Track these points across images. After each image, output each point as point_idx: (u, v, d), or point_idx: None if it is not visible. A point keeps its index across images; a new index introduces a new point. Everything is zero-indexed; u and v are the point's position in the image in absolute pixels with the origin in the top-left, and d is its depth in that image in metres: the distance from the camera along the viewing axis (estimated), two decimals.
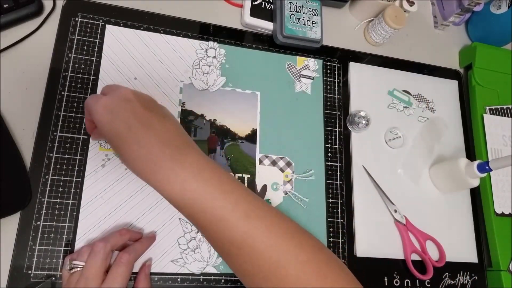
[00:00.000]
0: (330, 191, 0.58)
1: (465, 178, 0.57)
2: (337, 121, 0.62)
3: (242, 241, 0.35)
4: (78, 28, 0.54)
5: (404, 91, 0.67)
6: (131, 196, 0.50)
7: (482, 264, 0.61)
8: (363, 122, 0.60)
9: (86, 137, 0.50)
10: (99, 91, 0.52)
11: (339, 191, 0.58)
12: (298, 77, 0.62)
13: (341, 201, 0.58)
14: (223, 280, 0.50)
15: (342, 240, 0.56)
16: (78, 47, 0.53)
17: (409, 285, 0.57)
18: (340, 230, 0.56)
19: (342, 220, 0.57)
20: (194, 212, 0.36)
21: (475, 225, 0.63)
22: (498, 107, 0.69)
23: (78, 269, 0.41)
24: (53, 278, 0.45)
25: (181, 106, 0.55)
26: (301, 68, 0.62)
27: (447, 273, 0.58)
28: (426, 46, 0.73)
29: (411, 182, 0.62)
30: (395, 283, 0.56)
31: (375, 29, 0.67)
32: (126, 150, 0.36)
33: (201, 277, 0.49)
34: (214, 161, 0.39)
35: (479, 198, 0.64)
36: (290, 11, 0.61)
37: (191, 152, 0.37)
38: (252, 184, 0.55)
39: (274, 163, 0.57)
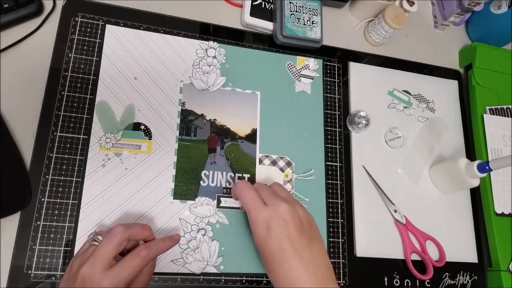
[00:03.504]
0: (330, 191, 0.58)
1: (465, 178, 0.57)
2: (337, 121, 0.62)
3: None
4: (78, 28, 0.54)
5: (404, 91, 0.67)
6: (131, 196, 0.50)
7: (482, 264, 0.61)
8: (363, 122, 0.60)
9: (86, 137, 0.50)
10: (99, 91, 0.52)
11: (339, 191, 0.58)
12: (298, 77, 0.62)
13: (341, 201, 0.58)
14: (223, 280, 0.50)
15: (342, 240, 0.56)
16: (78, 47, 0.53)
17: (409, 285, 0.57)
18: (340, 230, 0.56)
19: (342, 220, 0.57)
20: None
21: (475, 225, 0.63)
22: (498, 107, 0.69)
23: (97, 244, 0.41)
24: (53, 278, 0.45)
25: (181, 106, 0.55)
26: (301, 68, 0.62)
27: (447, 273, 0.58)
28: (426, 46, 0.73)
29: (411, 182, 0.62)
30: (395, 283, 0.56)
31: (375, 29, 0.67)
32: (274, 268, 0.42)
33: (201, 277, 0.49)
34: None
35: (479, 198, 0.64)
36: (290, 11, 0.61)
37: (331, 284, 0.42)
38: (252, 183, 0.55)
39: (274, 162, 0.57)
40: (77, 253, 0.43)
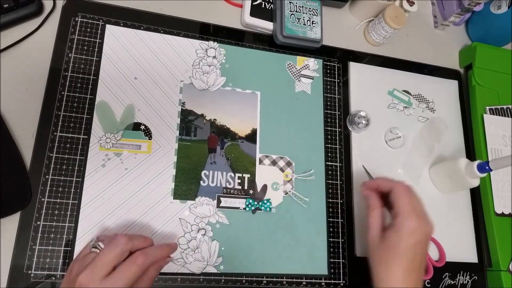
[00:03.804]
0: (330, 191, 0.58)
1: (465, 178, 0.57)
2: (337, 121, 0.62)
3: None
4: (78, 28, 0.54)
5: (404, 91, 0.67)
6: (131, 196, 0.50)
7: (482, 264, 0.61)
8: (363, 122, 0.60)
9: (86, 137, 0.50)
10: (99, 91, 0.52)
11: (339, 191, 0.58)
12: (298, 77, 0.62)
13: (341, 201, 0.58)
14: (223, 280, 0.50)
15: (342, 240, 0.56)
16: (78, 47, 0.53)
17: None
18: (340, 230, 0.56)
19: (342, 220, 0.57)
20: None
21: (475, 225, 0.63)
22: (498, 107, 0.69)
23: (98, 251, 0.40)
24: (53, 278, 0.45)
25: (181, 106, 0.55)
26: (301, 68, 0.62)
27: (447, 273, 0.58)
28: (426, 46, 0.73)
29: (411, 182, 0.62)
30: None
31: (375, 29, 0.67)
32: (389, 269, 0.45)
33: (201, 277, 0.49)
34: None
35: (479, 198, 0.64)
36: (290, 11, 0.61)
37: None
38: (252, 183, 0.55)
39: (274, 162, 0.57)
40: (77, 257, 0.42)
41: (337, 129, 0.61)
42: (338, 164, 0.60)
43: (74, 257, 0.46)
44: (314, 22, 0.62)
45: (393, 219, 0.47)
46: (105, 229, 0.47)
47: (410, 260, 0.45)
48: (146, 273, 0.41)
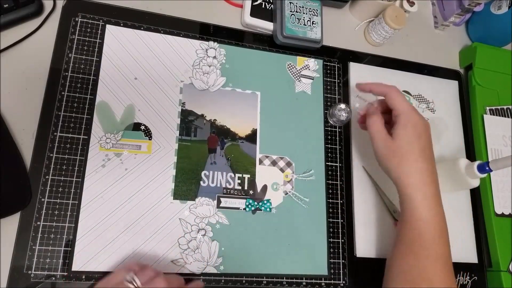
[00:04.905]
0: (330, 191, 0.58)
1: (465, 178, 0.57)
2: None
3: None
4: (78, 28, 0.54)
5: (404, 91, 0.67)
6: (131, 196, 0.50)
7: (482, 264, 0.61)
8: (344, 114, 0.59)
9: (86, 137, 0.50)
10: (99, 91, 0.52)
11: (339, 191, 0.58)
12: (298, 77, 0.62)
13: (341, 201, 0.58)
14: (223, 281, 0.50)
15: (342, 240, 0.56)
16: (78, 47, 0.53)
17: None
18: (340, 230, 0.56)
19: (342, 220, 0.57)
20: (406, 200, 0.49)
21: (475, 225, 0.63)
22: (498, 107, 0.69)
23: (132, 287, 0.40)
24: (53, 278, 0.45)
25: (181, 106, 0.55)
26: (301, 68, 0.62)
27: None
28: (426, 46, 0.73)
29: None
30: None
31: (375, 29, 0.66)
32: (407, 162, 0.48)
33: (201, 277, 0.49)
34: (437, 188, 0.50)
35: (479, 198, 0.64)
36: (290, 11, 0.61)
37: (434, 182, 0.49)
38: (252, 184, 0.55)
39: (274, 163, 0.57)
40: (107, 281, 0.41)
41: (337, 129, 0.61)
42: (338, 164, 0.60)
43: (105, 277, 0.43)
44: (314, 23, 0.62)
45: (395, 119, 0.50)
46: (105, 230, 0.47)
47: (422, 149, 0.48)
48: None
